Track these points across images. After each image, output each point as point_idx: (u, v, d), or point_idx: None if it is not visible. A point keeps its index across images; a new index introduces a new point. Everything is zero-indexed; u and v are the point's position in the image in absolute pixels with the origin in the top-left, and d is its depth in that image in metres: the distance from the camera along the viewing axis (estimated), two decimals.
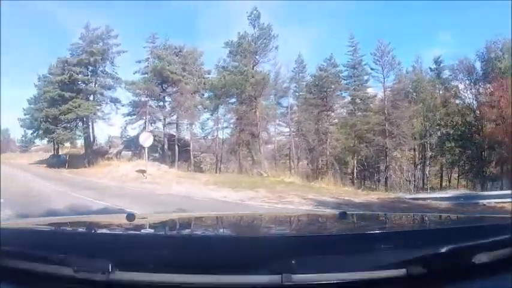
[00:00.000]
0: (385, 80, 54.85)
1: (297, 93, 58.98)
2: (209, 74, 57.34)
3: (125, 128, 60.29)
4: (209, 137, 58.25)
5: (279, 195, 23.66)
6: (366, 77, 58.36)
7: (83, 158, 57.09)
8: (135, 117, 57.18)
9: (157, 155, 52.47)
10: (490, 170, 51.28)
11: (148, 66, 55.93)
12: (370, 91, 58.62)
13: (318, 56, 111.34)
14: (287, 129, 58.10)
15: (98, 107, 57.72)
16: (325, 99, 56.24)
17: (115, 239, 2.12)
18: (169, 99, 56.81)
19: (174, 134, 56.44)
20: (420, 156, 57.96)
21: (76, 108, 53.57)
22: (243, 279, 1.56)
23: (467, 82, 54.20)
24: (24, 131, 78.04)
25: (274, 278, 1.52)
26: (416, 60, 59.54)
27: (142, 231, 2.76)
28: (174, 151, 53.33)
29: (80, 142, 71.52)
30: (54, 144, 71.37)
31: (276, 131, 58.91)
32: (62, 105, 54.10)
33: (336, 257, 1.63)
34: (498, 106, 46.45)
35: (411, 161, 57.17)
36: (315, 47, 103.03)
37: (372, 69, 56.37)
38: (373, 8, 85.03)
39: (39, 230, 2.52)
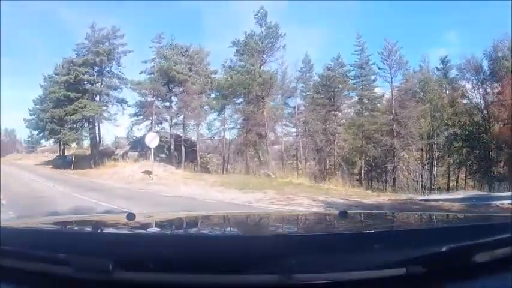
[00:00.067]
0: (393, 79, 54.13)
1: (304, 93, 58.15)
2: (215, 74, 56.51)
3: (131, 128, 59.77)
4: (216, 138, 57.69)
5: (288, 197, 22.99)
6: (373, 77, 57.71)
7: (89, 158, 56.43)
8: (141, 117, 56.48)
9: (163, 155, 51.55)
10: (498, 170, 50.73)
11: (154, 66, 55.03)
12: (378, 91, 58.04)
13: (324, 56, 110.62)
14: (294, 130, 57.58)
15: (104, 108, 57.09)
16: (332, 99, 55.53)
17: (115, 238, 2.09)
18: (176, 100, 55.87)
19: (181, 134, 55.66)
20: (428, 156, 57.27)
21: (82, 108, 52.94)
22: (242, 278, 1.56)
23: (475, 81, 53.78)
24: (30, 131, 77.85)
25: (274, 278, 1.52)
26: (423, 60, 59.29)
27: (142, 231, 2.74)
28: (180, 152, 52.57)
29: (86, 143, 70.90)
30: (60, 145, 70.89)
31: (283, 132, 58.09)
32: (68, 106, 53.47)
33: (336, 257, 1.63)
34: (506, 105, 46.32)
35: (419, 161, 56.45)
36: (321, 47, 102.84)
37: (379, 68, 55.62)
38: (378, 8, 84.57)
39: (39, 229, 2.53)
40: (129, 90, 56.87)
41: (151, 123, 54.48)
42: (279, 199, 22.32)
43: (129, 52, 57.09)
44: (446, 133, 55.36)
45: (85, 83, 55.64)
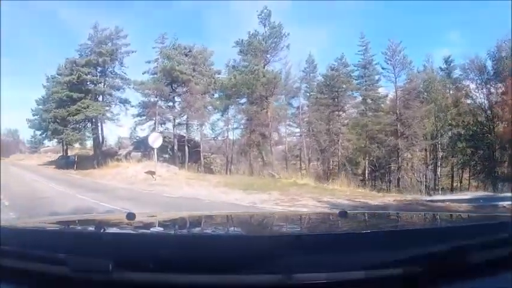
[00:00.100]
0: (397, 79, 53.50)
1: (307, 94, 57.76)
2: (219, 74, 55.98)
3: (134, 129, 59.29)
4: (219, 138, 57.23)
5: (293, 198, 22.48)
6: (376, 77, 57.01)
7: (92, 159, 56.19)
8: (144, 118, 55.92)
9: (167, 156, 51.05)
10: (502, 171, 50.10)
11: (157, 66, 54.62)
12: (381, 91, 57.50)
13: (328, 56, 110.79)
14: (298, 130, 57.20)
15: (107, 108, 56.82)
16: (336, 99, 54.98)
17: (115, 238, 2.07)
18: (179, 100, 55.35)
19: (184, 134, 55.23)
20: (431, 156, 56.51)
21: (84, 109, 52.70)
22: (242, 278, 1.56)
23: (479, 81, 53.22)
24: (34, 132, 77.64)
25: (274, 278, 1.53)
26: (427, 60, 58.42)
27: (142, 231, 2.75)
28: (184, 152, 52.24)
29: (89, 143, 70.58)
30: (63, 145, 70.54)
31: (286, 132, 57.53)
32: (71, 106, 53.20)
33: (336, 256, 1.63)
34: (510, 105, 45.71)
35: (422, 162, 55.73)
36: (324, 47, 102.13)
37: (383, 68, 54.90)
38: (381, 8, 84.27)
39: (39, 229, 2.53)
40: (132, 90, 56.61)
41: (155, 123, 54.02)
42: (284, 200, 21.80)
43: (132, 52, 56.82)
44: (450, 133, 54.88)
45: (88, 83, 55.27)
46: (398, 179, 51.94)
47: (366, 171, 55.64)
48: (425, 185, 53.49)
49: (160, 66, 53.33)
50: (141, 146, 51.56)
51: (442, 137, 54.39)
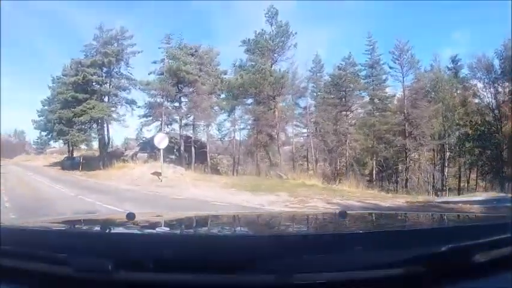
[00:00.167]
0: (404, 79, 52.92)
1: (314, 93, 56.91)
2: (225, 74, 55.05)
3: (141, 129, 58.51)
4: (226, 139, 56.71)
5: (302, 199, 21.52)
6: (384, 77, 56.23)
7: (98, 160, 55.48)
8: (150, 118, 55.17)
9: (173, 157, 50.37)
10: (510, 171, 49.05)
11: (163, 67, 53.83)
12: (388, 91, 56.71)
13: (334, 56, 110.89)
14: (305, 130, 56.49)
15: (113, 109, 56.08)
16: (343, 99, 54.33)
17: (115, 238, 2.09)
18: (186, 100, 54.54)
19: (191, 135, 54.53)
20: (439, 157, 56.23)
21: (90, 109, 51.92)
22: (242, 278, 1.57)
23: (486, 81, 52.63)
24: (40, 132, 77.39)
25: (274, 278, 1.53)
26: (435, 59, 57.91)
27: (142, 231, 2.70)
28: (190, 153, 51.48)
29: (95, 144, 69.30)
30: (68, 146, 70.05)
31: (293, 132, 56.80)
32: (76, 107, 52.42)
33: (336, 256, 1.64)
34: None
35: (430, 162, 54.92)
36: (330, 47, 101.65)
37: (390, 68, 54.17)
38: (386, 8, 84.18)
39: (39, 229, 2.50)
40: (138, 91, 55.96)
41: (161, 124, 53.16)
42: (293, 202, 20.95)
43: (138, 53, 56.07)
44: (457, 133, 54.26)
45: (93, 83, 54.66)
46: (407, 180, 51.34)
47: (374, 172, 54.72)
48: (433, 186, 53.01)
49: (166, 67, 52.44)
50: (148, 146, 50.98)
51: (449, 137, 53.69)
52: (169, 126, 56.13)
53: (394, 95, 56.48)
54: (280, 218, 3.79)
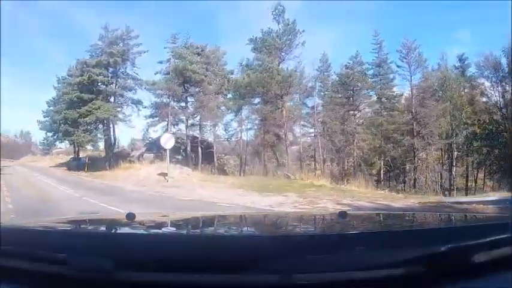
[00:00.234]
0: (412, 77, 52.30)
1: (322, 93, 55.75)
2: (232, 74, 54.12)
3: (147, 130, 57.85)
4: (233, 139, 55.98)
5: (311, 200, 20.63)
6: (391, 76, 55.43)
7: (104, 160, 54.80)
8: (157, 119, 54.36)
9: (180, 157, 49.65)
10: None
11: (169, 66, 52.97)
12: (396, 90, 55.96)
13: (340, 55, 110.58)
14: (312, 130, 55.58)
15: (119, 109, 55.16)
16: (351, 98, 53.60)
17: (115, 238, 2.11)
18: (192, 100, 53.78)
19: (197, 135, 53.75)
20: (446, 156, 55.65)
21: (96, 110, 51.12)
22: (243, 278, 1.57)
23: (494, 79, 51.79)
24: (46, 133, 77.20)
25: (275, 278, 1.53)
26: (442, 57, 57.01)
27: (142, 231, 2.73)
28: (197, 153, 50.69)
29: (101, 144, 68.84)
30: (74, 147, 69.31)
31: (300, 132, 55.77)
32: (81, 107, 51.67)
33: (335, 257, 1.64)
34: None
35: (438, 162, 54.62)
36: (336, 46, 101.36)
37: (398, 66, 53.34)
38: (388, 7, 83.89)
39: (39, 229, 2.51)
40: (145, 91, 55.18)
41: (167, 124, 52.30)
42: (302, 203, 20.08)
43: (144, 52, 55.20)
44: (465, 132, 53.60)
45: (99, 84, 53.94)
46: (415, 180, 50.69)
47: (382, 172, 54.04)
48: (441, 185, 52.84)
49: (172, 66, 51.52)
50: (154, 147, 50.42)
51: (457, 136, 53.15)
52: (175, 126, 55.44)
53: (402, 94, 55.75)
54: (281, 218, 3.76)
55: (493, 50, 50.82)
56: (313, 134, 55.46)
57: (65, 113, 54.41)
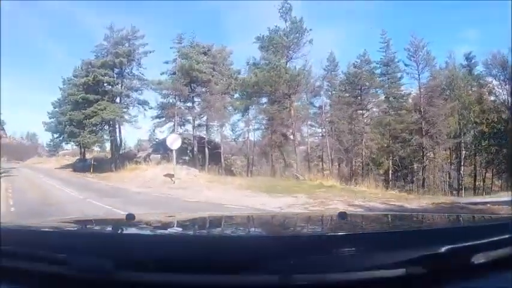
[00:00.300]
0: (420, 76, 51.39)
1: (329, 92, 54.92)
2: (239, 73, 52.86)
3: (153, 130, 57.43)
4: (240, 139, 55.13)
5: (322, 201, 20.20)
6: (399, 75, 54.41)
7: (110, 162, 54.17)
8: (163, 119, 53.51)
9: (186, 158, 49.06)
10: None
11: (175, 66, 51.98)
12: (404, 89, 55.02)
13: (347, 55, 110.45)
14: (319, 130, 54.83)
15: (125, 110, 54.23)
16: (359, 97, 52.66)
17: (115, 239, 2.12)
18: (199, 100, 52.88)
19: (204, 136, 52.81)
20: (455, 155, 54.90)
21: (101, 111, 50.29)
22: (242, 279, 1.56)
23: (502, 78, 51.40)
24: (52, 135, 77.10)
25: (274, 278, 1.53)
26: (449, 56, 56.09)
27: (142, 231, 2.70)
28: (204, 154, 49.75)
29: (108, 146, 67.82)
30: (80, 148, 68.56)
31: (308, 132, 55.07)
32: (87, 108, 50.86)
33: (335, 257, 1.65)
34: None
35: (446, 161, 53.79)
36: (343, 46, 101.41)
37: (406, 65, 52.28)
38: (396, 7, 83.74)
39: (39, 229, 2.51)
40: (151, 91, 54.42)
41: (174, 125, 51.32)
42: (312, 204, 19.63)
43: (150, 52, 54.25)
44: (473, 131, 53.15)
45: (104, 84, 53.11)
46: (424, 179, 50.10)
47: (390, 172, 53.10)
48: (450, 185, 52.47)
49: (179, 66, 50.53)
50: (160, 148, 49.76)
51: (465, 136, 52.78)
52: (182, 127, 54.58)
53: (410, 93, 54.96)
54: (281, 219, 3.74)
55: (501, 49, 50.10)
56: (320, 134, 54.68)
57: (70, 114, 53.61)
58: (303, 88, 48.03)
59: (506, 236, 1.81)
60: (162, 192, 26.86)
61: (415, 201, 21.87)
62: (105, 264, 1.55)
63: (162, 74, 54.36)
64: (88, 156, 68.52)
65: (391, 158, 52.96)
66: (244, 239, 2.17)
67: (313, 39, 46.49)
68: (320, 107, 52.35)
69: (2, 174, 36.92)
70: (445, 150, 54.20)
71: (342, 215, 2.86)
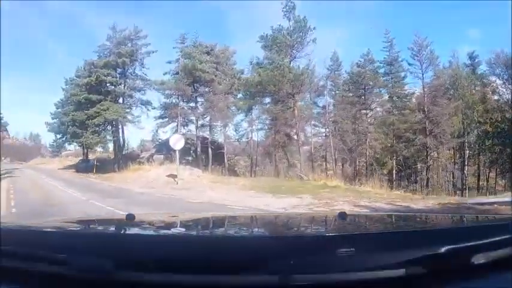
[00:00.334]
0: (424, 75, 51.10)
1: (333, 92, 54.55)
2: (242, 73, 52.34)
3: (156, 131, 57.02)
4: (243, 139, 54.68)
5: (327, 202, 19.84)
6: (402, 74, 54.19)
7: (113, 162, 53.88)
8: (166, 120, 53.13)
9: (190, 158, 48.62)
10: None
11: (178, 66, 51.57)
12: (407, 88, 54.79)
13: (350, 54, 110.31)
14: (323, 130, 54.41)
15: (128, 110, 53.77)
16: (363, 97, 52.18)
17: (115, 239, 2.12)
18: (202, 100, 52.43)
19: (207, 136, 52.26)
20: (459, 155, 54.63)
21: (104, 111, 49.81)
22: (242, 279, 1.57)
23: (505, 77, 51.06)
24: (55, 135, 76.98)
25: (274, 278, 1.53)
26: (453, 55, 55.82)
27: (142, 231, 2.69)
28: (207, 154, 49.21)
29: (111, 146, 67.55)
30: (83, 149, 68.40)
31: (312, 132, 54.49)
32: (90, 109, 50.46)
33: (335, 257, 1.63)
34: None
35: (450, 161, 53.57)
36: (346, 45, 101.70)
37: (409, 64, 52.10)
38: (398, 6, 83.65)
39: (39, 229, 2.50)
40: (154, 91, 54.08)
41: (177, 125, 50.99)
42: (317, 204, 19.25)
43: (153, 52, 53.77)
44: (476, 131, 52.95)
45: (107, 84, 52.75)
46: (428, 179, 49.72)
47: (394, 172, 52.51)
48: (453, 185, 52.26)
49: (182, 65, 50.11)
50: (163, 148, 49.40)
51: (469, 135, 52.34)
52: (185, 127, 54.10)
53: (413, 93, 54.54)
54: (281, 219, 3.69)
55: (504, 48, 49.82)
56: (324, 134, 54.38)
57: (73, 115, 53.33)
58: (307, 88, 47.51)
59: (507, 237, 1.80)
60: (165, 193, 26.51)
61: (420, 202, 21.61)
62: (105, 264, 1.53)
63: (165, 74, 53.95)
64: (91, 156, 68.30)
65: (395, 157, 52.44)
66: (243, 239, 2.15)
67: (317, 38, 46.00)
68: (324, 107, 52.04)
69: (5, 175, 36.68)
70: (449, 150, 53.95)
71: (342, 216, 2.84)
